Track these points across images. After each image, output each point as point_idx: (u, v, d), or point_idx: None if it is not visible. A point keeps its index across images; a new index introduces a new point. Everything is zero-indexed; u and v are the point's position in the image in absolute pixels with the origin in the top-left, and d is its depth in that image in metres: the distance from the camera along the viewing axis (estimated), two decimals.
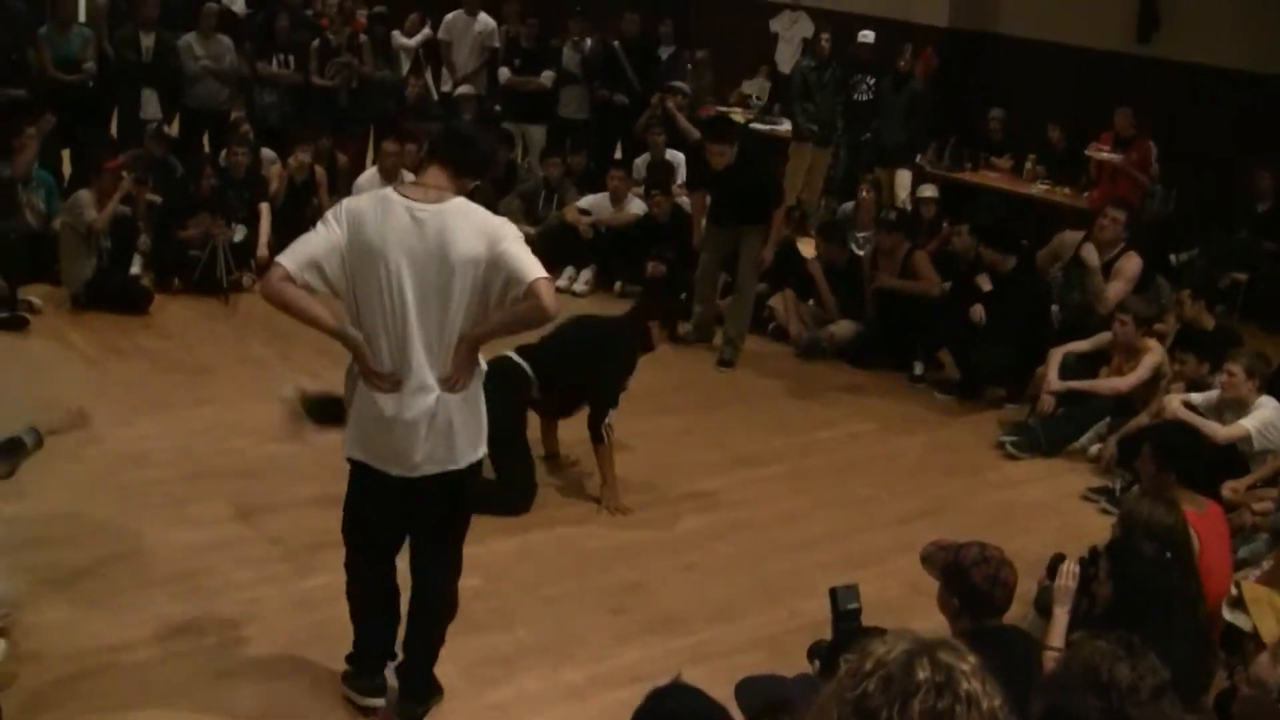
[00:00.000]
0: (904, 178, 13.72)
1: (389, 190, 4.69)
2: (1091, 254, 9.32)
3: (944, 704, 2.03)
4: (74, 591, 5.82)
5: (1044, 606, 5.33)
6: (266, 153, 11.86)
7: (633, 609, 6.08)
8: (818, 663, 4.91)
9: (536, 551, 6.59)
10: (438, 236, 4.56)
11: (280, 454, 7.44)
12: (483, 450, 4.92)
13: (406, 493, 4.80)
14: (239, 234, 10.68)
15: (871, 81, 13.80)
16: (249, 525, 6.57)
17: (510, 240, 4.65)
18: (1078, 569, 4.99)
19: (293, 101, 12.98)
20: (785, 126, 14.46)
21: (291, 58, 12.94)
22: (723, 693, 3.42)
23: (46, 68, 11.56)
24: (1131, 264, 9.29)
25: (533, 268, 4.59)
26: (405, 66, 14.38)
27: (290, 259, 4.54)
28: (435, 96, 14.67)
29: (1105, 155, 12.27)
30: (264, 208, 11.05)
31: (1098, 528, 6.93)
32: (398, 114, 13.31)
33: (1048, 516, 7.53)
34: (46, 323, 9.37)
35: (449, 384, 4.70)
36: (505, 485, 6.85)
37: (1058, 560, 5.07)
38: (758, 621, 6.06)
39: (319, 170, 11.80)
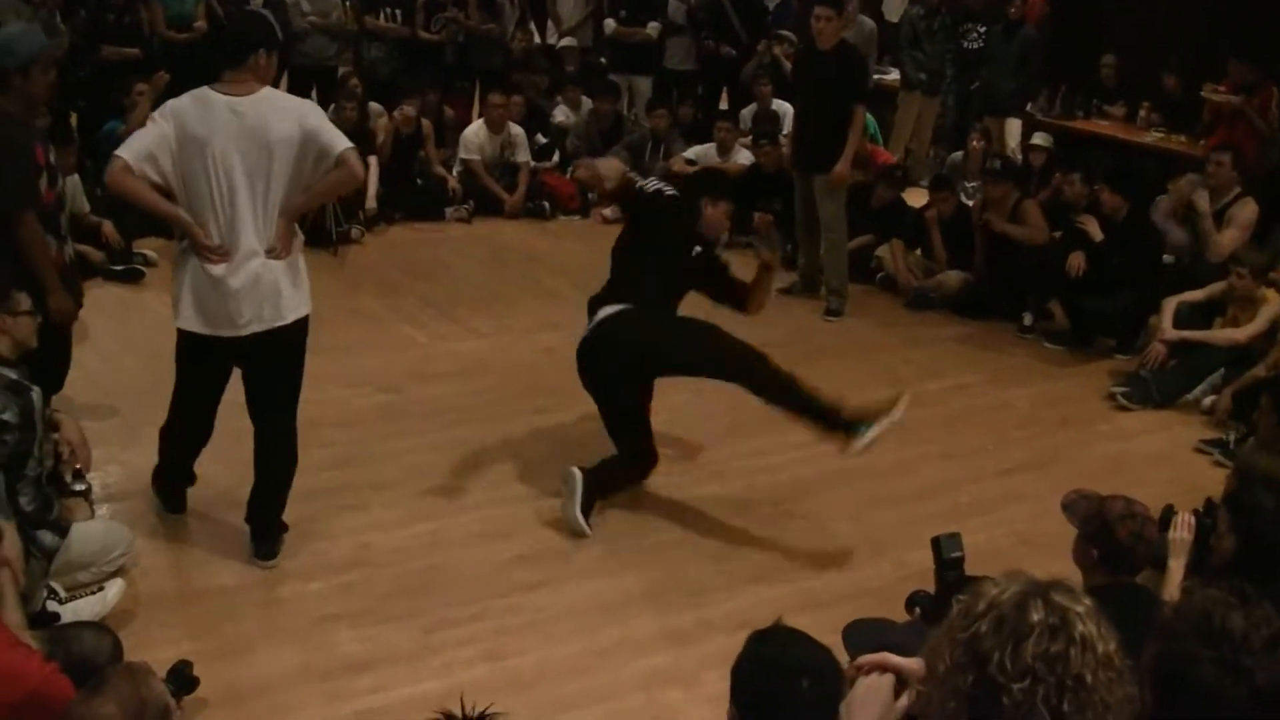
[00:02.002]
0: (1014, 126, 13.50)
1: (205, 89, 5.30)
2: (1203, 198, 9.14)
3: (1057, 647, 1.99)
4: (185, 536, 5.96)
5: (1157, 559, 5.22)
6: (374, 106, 11.93)
7: (739, 557, 6.07)
8: (918, 610, 4.87)
9: (643, 500, 6.59)
10: (256, 123, 5.21)
11: (387, 403, 7.54)
12: (307, 309, 5.53)
13: (235, 354, 5.47)
14: None
15: (982, 29, 13.58)
16: (353, 473, 6.65)
17: (316, 118, 5.40)
18: (1193, 520, 4.88)
19: (400, 56, 13.00)
20: (893, 75, 14.27)
21: (398, 12, 12.95)
22: (828, 641, 3.38)
23: (159, 27, 11.69)
24: (1246, 211, 9.06)
25: (340, 140, 5.34)
26: (513, 20, 14.34)
27: (128, 153, 5.16)
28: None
29: (1222, 96, 11.93)
30: (371, 161, 11.13)
31: (1211, 480, 6.79)
32: (504, 67, 13.32)
33: (1160, 468, 7.37)
34: (161, 276, 9.49)
35: (275, 254, 5.36)
36: (630, 455, 6.58)
37: (1169, 512, 4.96)
38: (864, 572, 6.02)
39: (425, 124, 11.87)
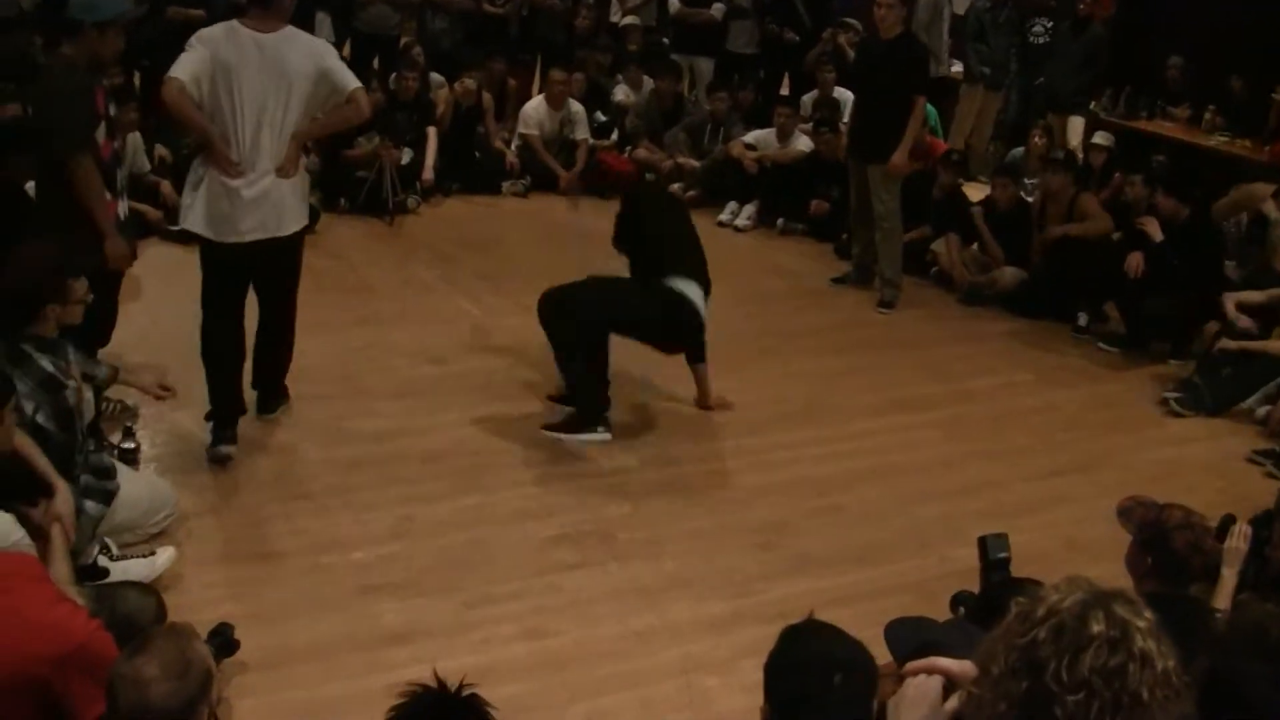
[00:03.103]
0: (1076, 124, 13.34)
1: (235, 23, 5.93)
2: (1273, 208, 9.03)
3: (1116, 661, 1.95)
4: (232, 501, 5.97)
5: (1210, 571, 5.16)
6: (435, 77, 11.94)
7: (780, 546, 6.04)
8: (961, 609, 4.84)
9: (687, 485, 6.58)
10: (275, 57, 5.87)
11: (437, 375, 7.54)
12: (304, 221, 6.29)
13: (241, 256, 6.04)
14: (406, 157, 10.80)
15: (1049, 24, 13.44)
16: (403, 443, 6.66)
17: (332, 58, 6.09)
18: (1250, 530, 4.82)
19: (463, 28, 13.01)
20: (956, 68, 14.15)
21: None
22: (868, 635, 3.35)
23: None
24: None
25: (352, 80, 6.05)
26: None
27: (183, 73, 5.73)
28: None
29: None
30: (431, 132, 11.18)
31: (1262, 492, 6.72)
32: (567, 44, 13.29)
33: (1210, 477, 7.28)
34: None
35: (283, 172, 6.00)
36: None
37: (1228, 521, 4.90)
38: (906, 566, 5.98)
39: (486, 97, 11.87)
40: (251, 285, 6.30)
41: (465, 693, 2.96)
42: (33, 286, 4.97)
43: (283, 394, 6.78)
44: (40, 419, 4.82)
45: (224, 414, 6.29)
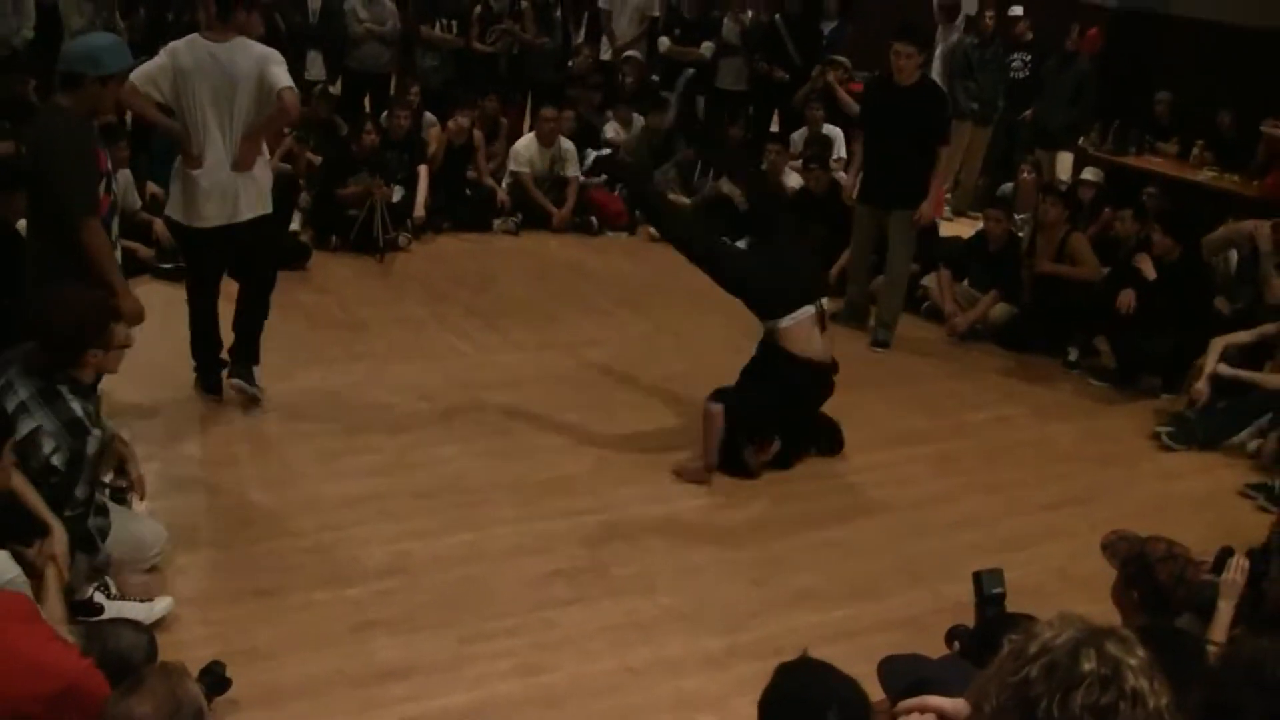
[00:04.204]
0: (1065, 160, 13.40)
1: (195, 36, 6.81)
2: (1266, 240, 9.06)
3: (1108, 699, 1.95)
4: (224, 537, 5.96)
5: (1200, 604, 5.16)
6: (427, 116, 11.97)
7: (774, 582, 6.04)
8: (957, 644, 4.84)
9: (680, 520, 6.58)
10: (226, 64, 6.67)
11: (429, 411, 7.54)
12: (264, 210, 7.05)
13: (209, 239, 6.96)
14: (397, 195, 10.83)
15: (1027, 59, 13.52)
16: (397, 479, 6.66)
17: (273, 64, 6.73)
18: (1247, 564, 4.82)
19: (454, 66, 13.06)
20: None
21: (454, 22, 13.02)
22: (861, 670, 3.35)
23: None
24: None
25: (283, 81, 6.67)
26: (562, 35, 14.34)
27: (136, 77, 6.49)
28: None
29: None
30: (422, 170, 11.20)
31: (1254, 525, 6.73)
32: (558, 81, 13.34)
33: (1202, 511, 7.28)
34: None
35: (237, 166, 6.83)
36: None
37: (1225, 554, 4.90)
38: (900, 601, 5.98)
39: (477, 135, 11.90)
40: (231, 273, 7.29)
41: None
42: (76, 330, 4.94)
43: (255, 358, 7.36)
44: (56, 460, 4.80)
45: (208, 372, 7.38)
